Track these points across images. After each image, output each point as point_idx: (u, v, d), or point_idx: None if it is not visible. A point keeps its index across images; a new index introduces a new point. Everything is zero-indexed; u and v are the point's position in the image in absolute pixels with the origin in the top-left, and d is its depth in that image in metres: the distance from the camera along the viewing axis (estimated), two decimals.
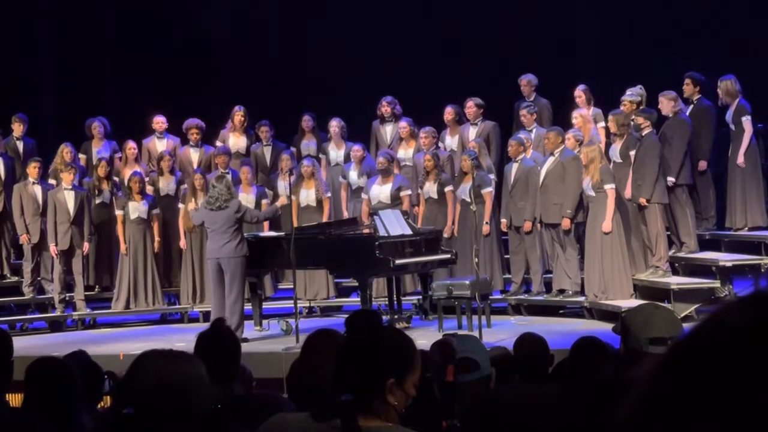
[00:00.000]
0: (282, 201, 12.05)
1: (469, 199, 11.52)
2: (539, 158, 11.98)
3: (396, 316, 11.30)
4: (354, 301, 12.14)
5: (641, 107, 11.54)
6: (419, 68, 14.80)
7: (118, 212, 12.64)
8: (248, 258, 10.84)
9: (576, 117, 12.05)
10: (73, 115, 14.27)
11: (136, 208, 12.54)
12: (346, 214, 12.68)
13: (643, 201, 11.10)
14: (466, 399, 3.85)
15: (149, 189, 12.87)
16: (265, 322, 11.52)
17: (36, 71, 15.75)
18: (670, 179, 11.24)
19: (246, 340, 10.44)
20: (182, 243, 12.70)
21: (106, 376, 4.80)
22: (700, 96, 11.71)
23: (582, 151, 11.28)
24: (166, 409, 2.74)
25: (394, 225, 11.09)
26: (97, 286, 13.01)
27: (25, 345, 10.49)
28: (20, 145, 13.47)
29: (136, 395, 2.82)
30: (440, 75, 14.65)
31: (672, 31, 13.94)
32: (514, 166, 11.96)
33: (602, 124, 12.17)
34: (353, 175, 12.85)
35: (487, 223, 11.98)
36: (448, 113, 12.95)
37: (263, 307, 11.78)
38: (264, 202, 12.57)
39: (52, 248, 12.38)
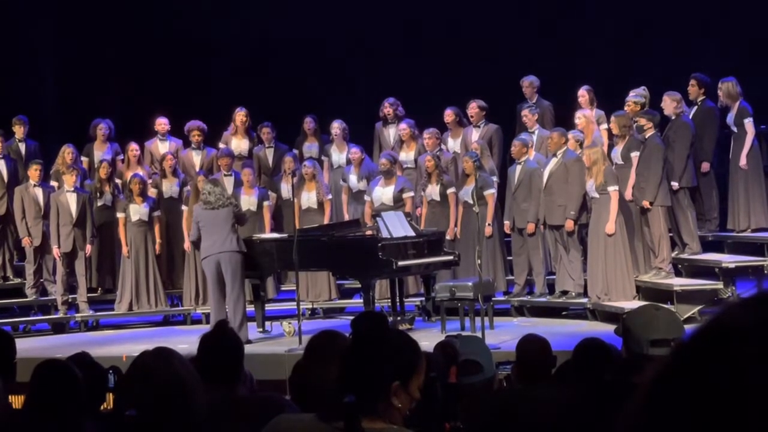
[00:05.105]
0: None
1: (471, 201, 11.49)
2: (542, 160, 11.96)
3: (399, 318, 11.29)
4: (357, 302, 12.14)
5: (645, 109, 11.51)
6: (421, 70, 14.78)
7: (119, 215, 12.63)
8: (246, 256, 10.87)
9: (579, 117, 12.02)
10: (75, 117, 14.27)
11: (137, 211, 12.53)
12: (347, 218, 12.66)
13: (646, 204, 11.08)
14: (469, 401, 3.85)
15: (152, 191, 12.86)
16: (267, 323, 11.52)
17: (38, 73, 15.75)
18: (674, 184, 11.22)
19: (249, 341, 10.43)
20: (186, 245, 12.65)
21: (110, 371, 4.79)
22: (704, 98, 11.68)
23: (584, 152, 11.26)
24: (164, 410, 2.74)
25: (396, 227, 11.09)
26: (99, 288, 13.03)
27: (28, 347, 10.50)
28: (22, 147, 13.47)
29: (134, 397, 2.82)
30: (441, 77, 14.63)
31: (675, 31, 13.91)
32: (518, 168, 11.94)
33: (605, 125, 12.13)
34: (353, 178, 12.82)
35: (489, 224, 11.98)
36: (448, 115, 12.90)
37: (266, 308, 11.79)
38: (266, 204, 12.57)
39: (55, 250, 12.38)
